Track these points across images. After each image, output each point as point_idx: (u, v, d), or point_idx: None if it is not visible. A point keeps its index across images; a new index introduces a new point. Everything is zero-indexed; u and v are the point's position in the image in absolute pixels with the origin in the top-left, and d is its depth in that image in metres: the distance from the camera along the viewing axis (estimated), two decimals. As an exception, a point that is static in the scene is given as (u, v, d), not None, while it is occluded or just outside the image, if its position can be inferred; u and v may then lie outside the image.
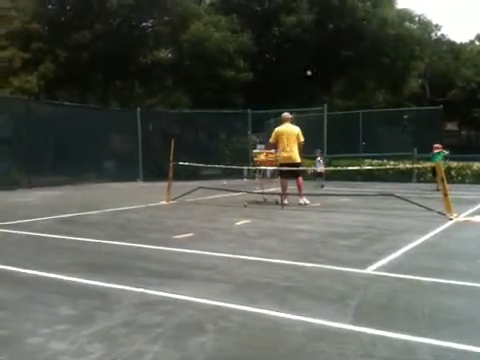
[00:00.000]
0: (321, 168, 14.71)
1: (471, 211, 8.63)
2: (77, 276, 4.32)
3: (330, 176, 16.52)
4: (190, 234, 6.44)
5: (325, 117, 17.80)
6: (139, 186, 16.55)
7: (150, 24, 24.85)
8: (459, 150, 22.19)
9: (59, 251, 5.56)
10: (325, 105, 18.24)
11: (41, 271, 4.53)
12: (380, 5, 26.95)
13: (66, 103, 19.02)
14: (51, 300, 3.70)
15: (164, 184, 10.98)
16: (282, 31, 26.01)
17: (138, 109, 18.93)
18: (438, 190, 12.61)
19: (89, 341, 2.90)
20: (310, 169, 15.06)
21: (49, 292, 3.93)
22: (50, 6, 22.63)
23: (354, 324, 3.13)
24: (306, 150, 12.55)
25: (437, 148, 13.58)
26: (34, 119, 15.45)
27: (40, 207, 10.14)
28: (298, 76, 25.43)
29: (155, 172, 17.15)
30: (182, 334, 3.00)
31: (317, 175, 14.71)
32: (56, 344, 2.86)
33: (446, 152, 13.81)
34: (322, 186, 14.19)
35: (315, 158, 15.28)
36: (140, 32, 24.28)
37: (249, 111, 19.99)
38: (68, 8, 22.65)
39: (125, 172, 18.01)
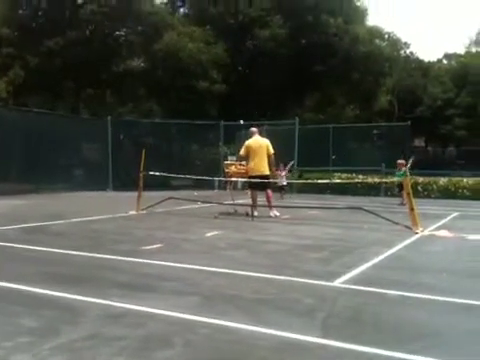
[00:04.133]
0: (283, 181, 14.65)
1: (437, 225, 8.80)
2: (42, 287, 4.21)
3: (300, 189, 16.65)
4: (159, 245, 6.37)
5: (297, 130, 17.99)
6: (108, 196, 16.33)
7: (123, 33, 24.70)
8: (425, 166, 22.73)
9: (24, 261, 5.42)
10: (297, 118, 18.44)
11: (4, 281, 4.40)
12: (352, 22, 27.51)
13: (35, 110, 18.65)
14: (14, 311, 3.60)
15: (134, 194, 10.85)
16: (256, 44, 26.24)
17: (109, 118, 18.75)
18: (403, 204, 12.87)
19: (52, 354, 2.83)
20: (275, 181, 14.81)
21: (12, 303, 3.82)
22: (21, 11, 22.27)
23: (322, 337, 3.13)
24: (278, 162, 12.60)
25: (401, 165, 13.78)
26: (0, 125, 15.10)
27: (5, 216, 9.87)
28: (271, 89, 25.64)
29: (125, 181, 16.94)
30: (148, 347, 2.95)
31: (279, 188, 14.56)
32: (18, 357, 2.78)
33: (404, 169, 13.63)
34: (282, 198, 14.12)
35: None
36: (113, 41, 24.09)
37: (221, 122, 20.04)
38: (40, 14, 22.32)
39: (94, 181, 17.70)
